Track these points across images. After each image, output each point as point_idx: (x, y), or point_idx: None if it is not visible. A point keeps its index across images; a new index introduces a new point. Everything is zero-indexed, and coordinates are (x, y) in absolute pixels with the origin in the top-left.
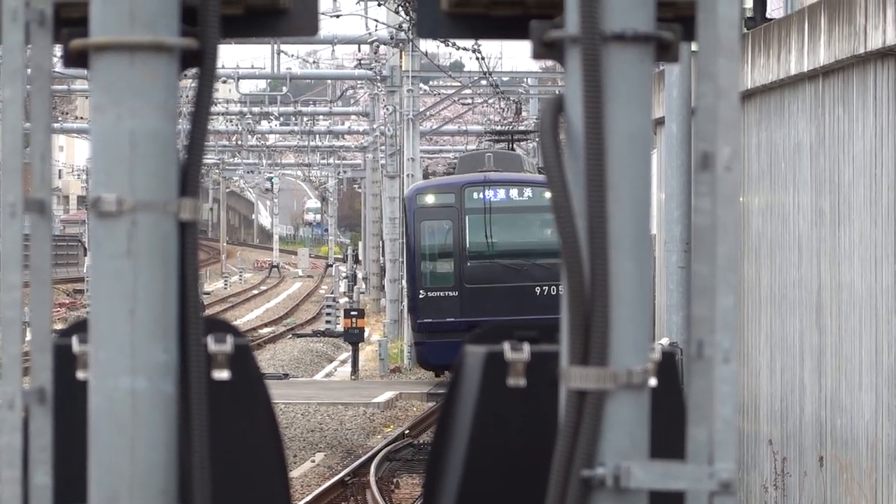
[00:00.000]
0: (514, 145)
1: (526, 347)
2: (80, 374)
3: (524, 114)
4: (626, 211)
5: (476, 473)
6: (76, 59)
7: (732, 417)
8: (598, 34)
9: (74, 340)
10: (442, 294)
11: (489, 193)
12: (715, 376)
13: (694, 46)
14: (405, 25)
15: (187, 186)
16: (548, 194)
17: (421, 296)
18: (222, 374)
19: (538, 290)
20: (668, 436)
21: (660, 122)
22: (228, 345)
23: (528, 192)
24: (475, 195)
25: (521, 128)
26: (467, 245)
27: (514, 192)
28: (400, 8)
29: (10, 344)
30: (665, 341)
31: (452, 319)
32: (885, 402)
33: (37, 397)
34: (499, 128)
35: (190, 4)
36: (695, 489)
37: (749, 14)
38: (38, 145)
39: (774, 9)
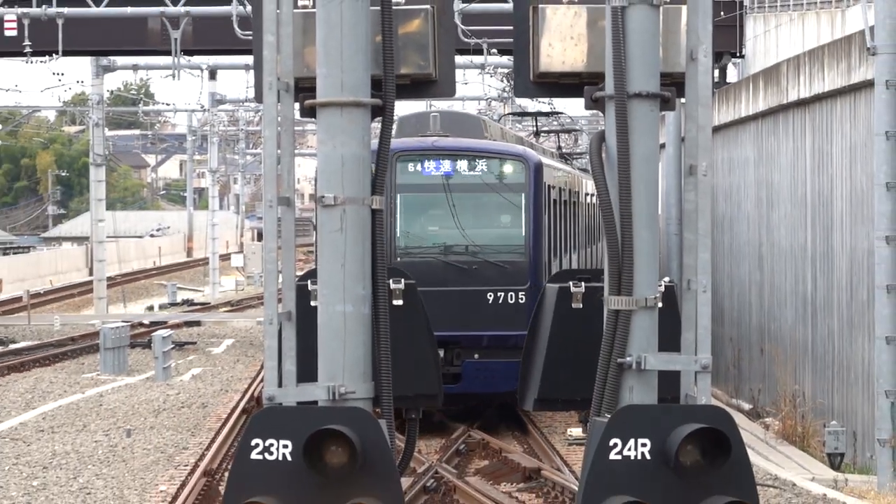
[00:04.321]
0: (571, 162)
1: (582, 284)
2: (313, 303)
3: (580, 141)
4: (643, 200)
5: (553, 364)
6: (308, 111)
7: (709, 326)
8: (625, 93)
9: (309, 282)
10: None
11: (430, 165)
12: (698, 301)
13: (682, 100)
14: (506, 89)
15: (376, 188)
16: (508, 168)
17: None
18: (398, 302)
19: (490, 296)
20: (670, 338)
21: (662, 146)
22: (402, 284)
23: (482, 164)
24: (411, 167)
25: (578, 150)
26: (398, 234)
27: (463, 165)
28: (504, 78)
29: (270, 284)
30: (666, 279)
31: None
32: (800, 315)
33: (286, 317)
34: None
35: (377, 78)
36: (686, 370)
37: (716, 80)
38: (286, 164)
39: (732, 77)
